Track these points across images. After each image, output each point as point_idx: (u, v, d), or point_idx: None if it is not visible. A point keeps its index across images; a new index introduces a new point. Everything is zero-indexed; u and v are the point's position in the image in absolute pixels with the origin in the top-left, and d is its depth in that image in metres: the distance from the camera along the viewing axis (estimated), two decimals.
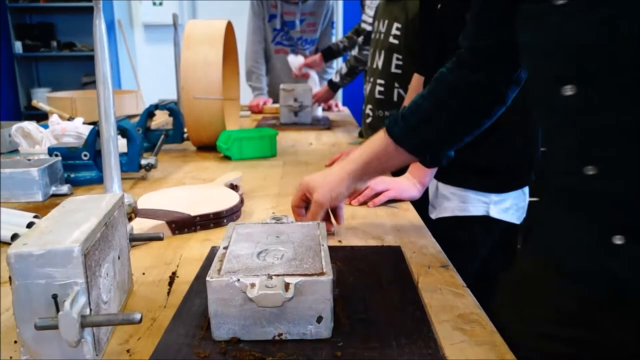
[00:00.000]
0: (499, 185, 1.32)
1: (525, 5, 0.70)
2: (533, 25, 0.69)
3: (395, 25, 1.66)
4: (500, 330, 0.69)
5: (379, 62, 1.73)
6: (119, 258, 0.68)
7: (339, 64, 3.03)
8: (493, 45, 0.83)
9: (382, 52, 1.72)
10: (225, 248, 0.68)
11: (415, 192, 1.21)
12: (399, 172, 1.30)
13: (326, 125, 2.24)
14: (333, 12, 3.13)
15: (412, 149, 0.93)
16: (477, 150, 1.30)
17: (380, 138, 0.94)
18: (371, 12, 2.04)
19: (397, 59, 1.68)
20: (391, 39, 1.67)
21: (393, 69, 1.69)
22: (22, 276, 0.52)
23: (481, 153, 1.30)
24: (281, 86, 2.24)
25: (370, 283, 0.75)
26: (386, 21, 1.70)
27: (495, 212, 1.32)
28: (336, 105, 2.87)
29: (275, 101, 2.70)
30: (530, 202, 1.40)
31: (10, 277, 0.52)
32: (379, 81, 1.75)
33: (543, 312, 0.75)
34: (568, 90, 0.64)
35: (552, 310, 0.74)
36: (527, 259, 0.84)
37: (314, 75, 2.76)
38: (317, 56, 2.79)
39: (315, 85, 2.60)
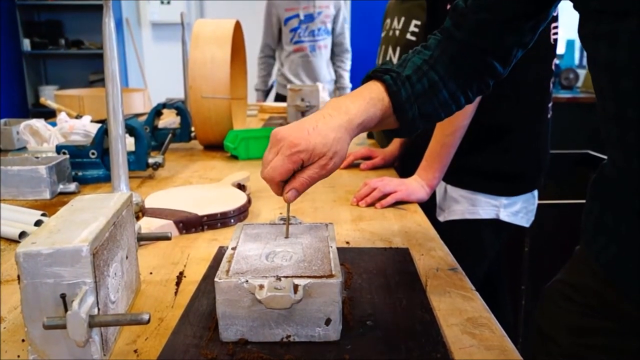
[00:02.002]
0: (510, 188, 1.31)
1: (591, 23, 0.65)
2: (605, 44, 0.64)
3: (414, 22, 1.64)
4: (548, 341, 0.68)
5: (394, 59, 1.72)
6: (127, 257, 0.68)
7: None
8: (510, 16, 0.77)
9: (398, 49, 1.70)
10: (234, 249, 0.68)
11: (423, 194, 1.20)
12: (406, 173, 1.30)
13: None
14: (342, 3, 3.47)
15: (408, 121, 0.79)
16: (487, 153, 1.30)
17: (380, 100, 0.77)
18: None
19: None
20: (409, 36, 1.66)
21: None
22: (31, 275, 0.52)
23: (491, 156, 1.30)
24: (289, 86, 2.23)
25: (378, 285, 0.75)
26: (402, 18, 1.69)
27: (505, 216, 1.31)
28: None
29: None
30: (539, 205, 1.39)
31: (18, 276, 0.52)
32: None
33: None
34: None
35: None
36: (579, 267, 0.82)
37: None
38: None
39: (323, 89, 2.61)
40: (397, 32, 1.70)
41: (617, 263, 0.70)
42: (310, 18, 3.31)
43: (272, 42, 3.45)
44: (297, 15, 3.30)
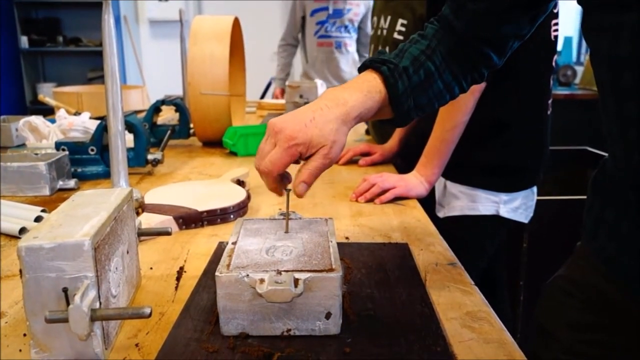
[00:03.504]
0: (509, 184, 1.32)
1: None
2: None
3: (400, 21, 1.65)
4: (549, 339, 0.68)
5: None
6: (127, 252, 0.68)
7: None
8: (509, 6, 0.76)
9: (387, 49, 1.71)
10: (234, 243, 0.68)
11: (423, 190, 1.20)
12: (405, 169, 1.30)
13: None
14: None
15: (403, 113, 0.79)
16: (487, 149, 1.30)
17: (377, 92, 0.76)
18: None
19: None
20: (396, 35, 1.66)
21: None
22: (33, 269, 0.52)
23: (491, 152, 1.30)
24: (287, 83, 2.23)
25: (378, 280, 0.75)
26: (389, 17, 1.69)
27: (505, 212, 1.32)
28: None
29: None
30: (537, 201, 1.40)
31: (21, 270, 0.52)
32: None
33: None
34: None
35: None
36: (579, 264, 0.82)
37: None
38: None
39: (322, 86, 2.61)
40: (385, 32, 1.70)
41: (618, 259, 0.71)
42: (339, 13, 3.22)
43: (294, 30, 3.37)
44: (326, 9, 3.20)
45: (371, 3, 3.30)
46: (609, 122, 0.67)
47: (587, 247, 0.78)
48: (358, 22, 3.32)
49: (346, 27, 3.26)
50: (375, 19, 1.78)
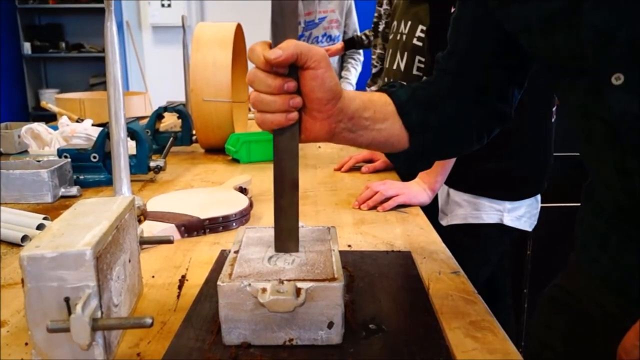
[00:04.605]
0: (513, 193, 1.31)
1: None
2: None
3: (420, 27, 1.64)
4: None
5: (402, 64, 1.71)
6: (129, 261, 0.68)
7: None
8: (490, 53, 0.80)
9: (405, 54, 1.70)
10: (236, 252, 0.68)
11: (426, 197, 1.20)
12: (409, 177, 1.30)
13: None
14: (352, 7, 3.26)
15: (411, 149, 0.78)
16: (490, 157, 1.30)
17: (392, 114, 0.75)
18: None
19: (420, 61, 1.65)
20: (415, 41, 1.65)
21: (415, 72, 1.67)
22: (35, 279, 0.52)
23: (495, 160, 1.30)
24: None
25: (380, 288, 0.75)
26: (409, 22, 1.68)
27: (509, 220, 1.31)
28: None
29: None
30: (541, 208, 1.39)
31: (22, 280, 0.52)
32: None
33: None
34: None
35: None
36: (571, 273, 0.82)
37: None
38: (339, 44, 3.06)
39: None
40: (405, 37, 1.69)
41: (609, 270, 0.70)
42: (312, 25, 3.11)
43: None
44: (299, 23, 3.09)
45: (346, 3, 3.18)
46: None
47: (579, 258, 0.78)
48: (338, 30, 3.17)
49: (323, 35, 3.13)
50: (395, 23, 1.76)
